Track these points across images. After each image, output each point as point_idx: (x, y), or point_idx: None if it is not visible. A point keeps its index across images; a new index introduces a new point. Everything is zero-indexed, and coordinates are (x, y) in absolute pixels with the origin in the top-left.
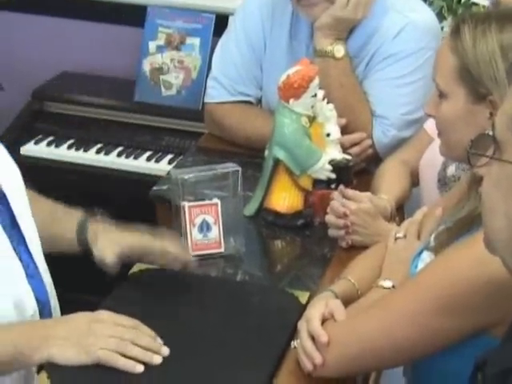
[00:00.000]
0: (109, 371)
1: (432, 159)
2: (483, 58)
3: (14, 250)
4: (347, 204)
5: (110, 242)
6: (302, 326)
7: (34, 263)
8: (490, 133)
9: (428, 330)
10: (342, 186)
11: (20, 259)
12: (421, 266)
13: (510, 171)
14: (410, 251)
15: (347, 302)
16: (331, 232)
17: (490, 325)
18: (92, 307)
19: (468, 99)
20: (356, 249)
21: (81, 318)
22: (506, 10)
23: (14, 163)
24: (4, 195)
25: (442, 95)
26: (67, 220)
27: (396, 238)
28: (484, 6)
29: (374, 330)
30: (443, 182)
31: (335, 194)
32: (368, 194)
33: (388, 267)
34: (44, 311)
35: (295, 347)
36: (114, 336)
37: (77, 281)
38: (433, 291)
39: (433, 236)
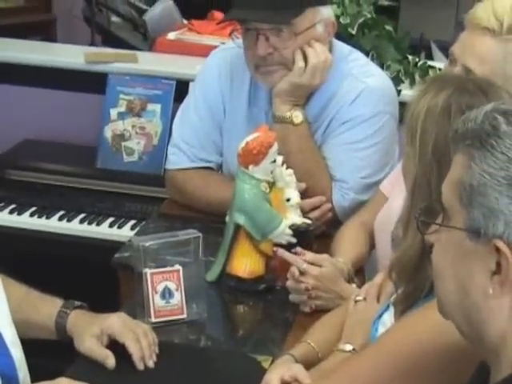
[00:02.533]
0: None
1: (386, 219)
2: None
3: None
4: (309, 269)
5: (91, 335)
6: None
7: (1, 338)
8: None
9: None
10: (298, 249)
11: None
12: (381, 329)
13: (456, 237)
14: (370, 314)
15: (307, 365)
16: (293, 297)
17: None
18: (57, 374)
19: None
20: (318, 312)
21: None
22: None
23: None
24: None
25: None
26: (43, 306)
27: (356, 301)
28: (440, 69)
29: None
30: (396, 243)
31: (294, 258)
32: (326, 256)
33: (348, 330)
34: None
35: None
36: None
37: (43, 346)
38: (392, 356)
39: (391, 299)
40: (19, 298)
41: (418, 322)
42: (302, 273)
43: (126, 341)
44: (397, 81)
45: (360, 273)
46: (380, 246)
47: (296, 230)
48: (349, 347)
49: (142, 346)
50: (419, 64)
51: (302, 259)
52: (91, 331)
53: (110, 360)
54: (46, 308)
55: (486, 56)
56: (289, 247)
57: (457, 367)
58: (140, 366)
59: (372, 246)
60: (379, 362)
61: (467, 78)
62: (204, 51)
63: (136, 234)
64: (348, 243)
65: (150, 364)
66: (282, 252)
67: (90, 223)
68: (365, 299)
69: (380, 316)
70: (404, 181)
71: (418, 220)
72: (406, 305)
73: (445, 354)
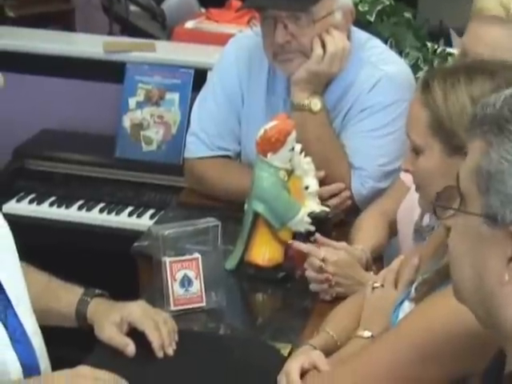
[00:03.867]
0: None
1: (409, 209)
2: (455, 111)
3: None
4: (327, 256)
5: (111, 322)
6: (281, 379)
7: (22, 327)
8: None
9: (406, 379)
10: (318, 235)
11: (5, 324)
12: (402, 315)
13: (473, 223)
14: (389, 300)
15: (327, 354)
16: (313, 287)
17: (468, 374)
18: (77, 363)
19: (443, 152)
20: (337, 300)
21: (61, 376)
22: (472, 63)
23: (2, 223)
24: None
25: (417, 150)
26: (64, 294)
27: (373, 288)
28: None
29: (353, 379)
30: (419, 232)
31: (311, 249)
32: (343, 243)
33: (367, 317)
34: (32, 375)
35: None
36: None
37: (63, 336)
38: (410, 341)
39: (414, 286)
40: (41, 286)
41: (437, 308)
42: (321, 268)
43: (146, 329)
44: (415, 68)
45: (378, 261)
46: (402, 236)
47: (315, 218)
48: (367, 334)
49: (162, 334)
50: (438, 51)
51: (319, 246)
52: (111, 319)
53: (130, 348)
54: (67, 296)
55: (497, 44)
56: (307, 235)
57: (476, 352)
58: (159, 354)
59: (391, 234)
60: (398, 348)
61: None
62: (222, 40)
63: (155, 223)
64: (367, 231)
65: (170, 352)
66: (297, 244)
67: (109, 212)
68: (382, 286)
69: (401, 303)
70: None
71: (435, 205)
72: (427, 291)
73: (464, 340)
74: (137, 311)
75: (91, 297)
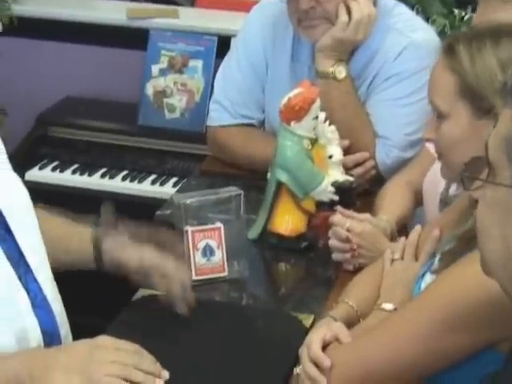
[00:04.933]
0: None
1: (435, 179)
2: (483, 75)
3: (20, 279)
4: (352, 227)
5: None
6: (303, 352)
7: (42, 292)
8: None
9: (432, 350)
10: (339, 207)
11: (27, 289)
12: (424, 288)
13: (504, 194)
14: (409, 273)
15: (348, 325)
16: (336, 256)
17: (495, 341)
18: (99, 331)
19: (471, 116)
20: (360, 270)
21: (82, 346)
22: (498, 26)
23: (23, 190)
24: (7, 225)
25: (441, 116)
26: (79, 234)
27: (393, 260)
28: None
29: (378, 352)
30: (445, 203)
31: (337, 218)
32: (367, 215)
33: (387, 289)
34: (52, 342)
35: (298, 374)
36: (117, 361)
37: (85, 303)
38: (436, 310)
39: (437, 258)
40: (55, 229)
41: (461, 275)
42: (348, 238)
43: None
44: (442, 35)
45: (403, 231)
46: (428, 207)
47: (338, 188)
48: (389, 306)
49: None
50: (465, 18)
51: (345, 216)
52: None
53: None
54: (83, 234)
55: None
56: (331, 205)
57: (502, 320)
58: (183, 310)
59: (416, 204)
60: (422, 319)
61: None
62: (246, 6)
63: (177, 192)
64: (393, 201)
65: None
66: (340, 209)
67: (131, 180)
68: (401, 258)
69: (423, 275)
70: None
71: (463, 176)
72: (451, 262)
73: (489, 306)
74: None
75: (104, 232)
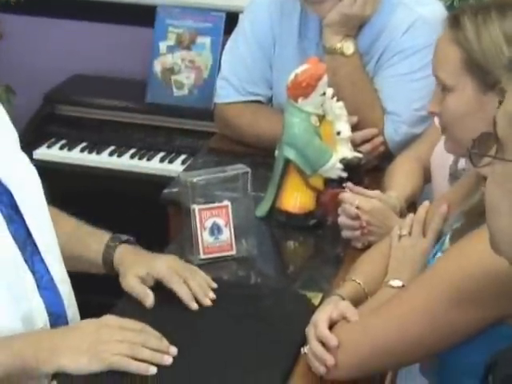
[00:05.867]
0: (117, 374)
1: (443, 154)
2: (488, 48)
3: (27, 261)
4: (361, 204)
5: (135, 275)
6: (309, 331)
7: (49, 274)
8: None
9: (442, 324)
10: (349, 184)
11: (33, 270)
12: None
13: None
14: (416, 249)
15: (356, 303)
16: (345, 233)
17: (505, 316)
18: (107, 309)
19: (477, 89)
20: (369, 248)
21: (88, 326)
22: None
23: (32, 170)
24: (17, 205)
25: (446, 89)
26: (92, 241)
27: (400, 236)
28: None
29: (386, 328)
30: (454, 177)
31: (346, 196)
32: (377, 192)
33: (395, 266)
34: (59, 323)
35: (305, 353)
36: (124, 340)
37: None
38: (445, 284)
39: (448, 236)
40: (69, 232)
41: (468, 251)
42: (358, 215)
43: (173, 285)
44: (451, 10)
45: (412, 207)
46: (437, 181)
47: (347, 164)
48: (398, 283)
49: (192, 288)
50: None
51: (355, 193)
52: (136, 271)
53: (149, 299)
54: (95, 242)
55: None
56: (339, 182)
57: (510, 293)
58: (193, 306)
59: (426, 180)
60: (432, 293)
61: None
62: None
63: (185, 170)
64: (402, 177)
65: (207, 302)
66: (349, 186)
67: (140, 158)
68: (409, 234)
69: (434, 255)
70: None
71: (471, 152)
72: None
73: (497, 281)
74: (163, 267)
75: (118, 243)
